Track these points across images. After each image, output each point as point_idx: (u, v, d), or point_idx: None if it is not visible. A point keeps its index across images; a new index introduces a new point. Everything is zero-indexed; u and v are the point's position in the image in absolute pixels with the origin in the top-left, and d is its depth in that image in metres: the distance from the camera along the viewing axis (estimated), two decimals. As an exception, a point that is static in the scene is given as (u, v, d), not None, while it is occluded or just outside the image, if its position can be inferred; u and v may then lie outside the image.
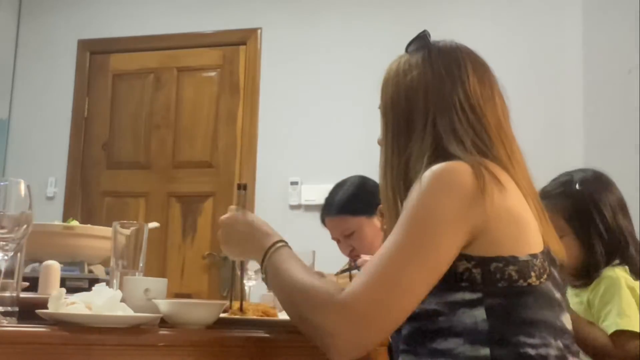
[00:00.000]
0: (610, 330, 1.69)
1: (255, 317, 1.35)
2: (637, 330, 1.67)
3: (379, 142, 1.32)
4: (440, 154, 1.15)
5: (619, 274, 1.74)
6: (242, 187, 1.35)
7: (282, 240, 1.22)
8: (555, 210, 1.77)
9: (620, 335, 1.68)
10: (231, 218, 1.30)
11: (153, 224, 2.25)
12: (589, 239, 1.77)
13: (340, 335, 1.02)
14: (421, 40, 1.28)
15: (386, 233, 1.25)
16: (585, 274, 1.78)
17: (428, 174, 1.10)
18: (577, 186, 1.83)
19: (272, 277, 1.17)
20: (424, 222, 1.06)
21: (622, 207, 1.83)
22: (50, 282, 1.48)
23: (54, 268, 1.50)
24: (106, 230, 1.86)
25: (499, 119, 1.22)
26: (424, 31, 1.29)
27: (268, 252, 1.20)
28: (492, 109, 1.22)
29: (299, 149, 3.88)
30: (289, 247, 1.22)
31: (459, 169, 1.09)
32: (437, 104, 1.20)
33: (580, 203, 1.80)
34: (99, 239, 1.89)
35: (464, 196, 1.07)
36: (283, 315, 1.41)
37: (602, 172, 1.88)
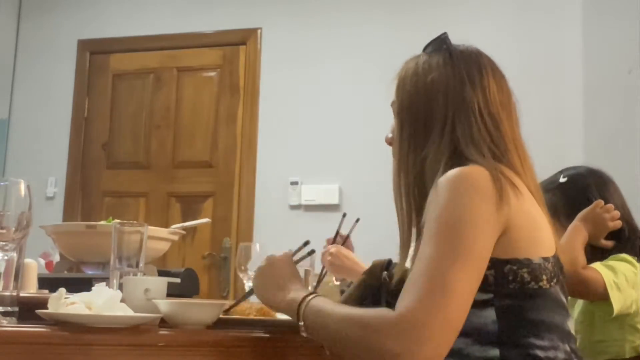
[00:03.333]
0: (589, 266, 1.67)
1: (255, 317, 1.35)
2: (612, 291, 1.65)
3: (388, 140, 1.31)
4: (457, 158, 1.15)
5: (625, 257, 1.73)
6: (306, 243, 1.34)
7: (313, 293, 1.18)
8: None
9: (595, 272, 1.66)
10: (277, 260, 1.29)
11: (204, 220, 2.26)
12: None
13: (406, 352, 0.98)
14: (441, 42, 1.28)
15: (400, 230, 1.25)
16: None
17: (445, 180, 1.09)
18: (561, 179, 1.84)
19: (316, 325, 1.12)
20: (457, 227, 1.05)
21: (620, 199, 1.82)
22: (27, 280, 1.49)
23: (31, 266, 1.51)
24: (157, 231, 1.87)
25: (514, 127, 1.23)
26: (445, 33, 1.29)
27: (303, 302, 1.15)
28: (509, 117, 1.22)
29: (299, 149, 3.88)
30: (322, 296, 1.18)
31: (479, 173, 1.10)
32: (457, 108, 1.19)
33: (567, 193, 1.80)
34: (149, 239, 1.88)
35: (490, 198, 1.07)
36: (283, 316, 1.40)
37: (597, 169, 1.88)
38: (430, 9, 3.79)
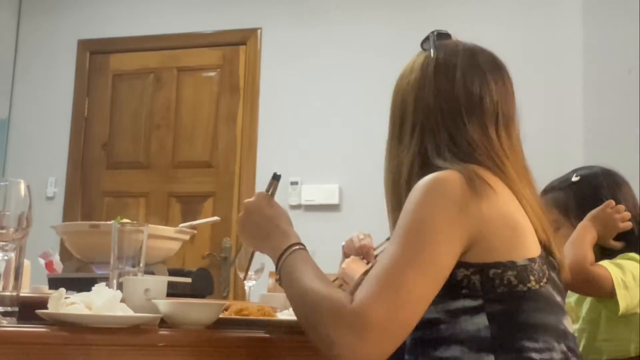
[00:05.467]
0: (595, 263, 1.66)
1: (255, 317, 1.35)
2: (617, 290, 1.63)
3: None
4: (425, 163, 1.17)
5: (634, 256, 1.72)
6: (277, 177, 1.32)
7: (299, 243, 1.19)
8: (550, 203, 1.78)
9: (603, 269, 1.65)
10: (254, 205, 1.28)
11: (214, 218, 2.27)
12: None
13: (346, 345, 1.00)
14: (427, 43, 1.27)
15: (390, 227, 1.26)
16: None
17: (418, 185, 1.10)
18: (574, 178, 1.83)
19: (286, 281, 1.15)
20: (419, 231, 1.06)
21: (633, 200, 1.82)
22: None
23: (24, 266, 1.52)
24: (167, 230, 1.88)
25: (486, 130, 1.19)
26: (433, 31, 1.27)
27: (283, 254, 1.17)
28: (478, 119, 1.19)
29: (299, 149, 3.88)
30: (305, 250, 1.19)
31: (449, 178, 1.09)
32: (424, 113, 1.20)
33: (578, 192, 1.79)
34: (160, 238, 1.89)
35: (454, 204, 1.07)
36: (282, 316, 1.41)
37: (612, 169, 1.87)
38: (430, 10, 3.79)
